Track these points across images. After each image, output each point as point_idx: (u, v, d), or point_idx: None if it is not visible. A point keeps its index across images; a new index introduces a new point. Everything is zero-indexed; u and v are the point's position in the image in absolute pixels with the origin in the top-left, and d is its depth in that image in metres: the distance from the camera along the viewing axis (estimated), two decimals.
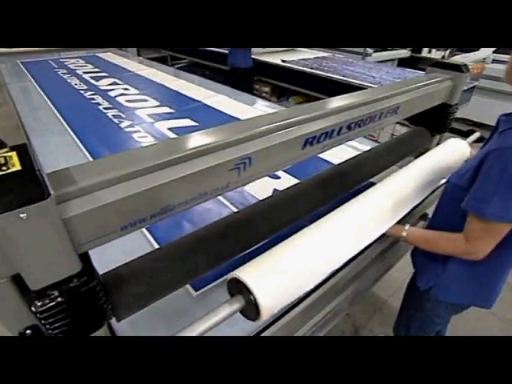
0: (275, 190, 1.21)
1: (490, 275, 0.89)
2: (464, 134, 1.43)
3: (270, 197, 0.93)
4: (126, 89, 2.41)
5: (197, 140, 0.57)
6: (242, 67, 3.42)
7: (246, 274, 0.57)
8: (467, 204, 0.74)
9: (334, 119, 0.77)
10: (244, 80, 3.47)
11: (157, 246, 0.91)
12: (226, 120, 1.86)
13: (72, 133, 1.64)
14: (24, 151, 0.39)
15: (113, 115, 1.88)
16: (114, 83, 2.56)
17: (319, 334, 1.07)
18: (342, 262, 0.75)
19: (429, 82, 1.15)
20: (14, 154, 0.39)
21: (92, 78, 2.70)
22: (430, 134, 1.36)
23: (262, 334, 0.73)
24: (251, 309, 0.56)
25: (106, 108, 1.99)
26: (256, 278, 0.57)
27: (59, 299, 0.43)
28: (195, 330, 0.53)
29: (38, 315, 0.42)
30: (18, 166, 0.37)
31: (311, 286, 0.68)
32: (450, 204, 0.89)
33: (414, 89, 1.07)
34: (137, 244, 0.88)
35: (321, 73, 3.24)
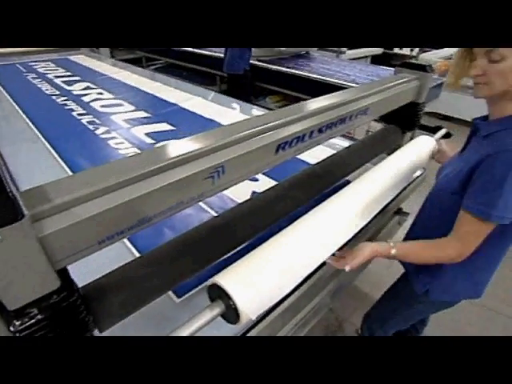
0: (254, 192, 1.23)
1: (486, 270, 0.92)
2: (431, 130, 1.49)
3: (248, 200, 0.95)
4: (101, 93, 2.37)
5: (171, 151, 0.58)
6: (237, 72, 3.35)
7: (225, 279, 0.59)
8: (470, 207, 0.74)
9: (305, 123, 0.79)
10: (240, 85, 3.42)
11: (138, 255, 0.91)
12: (203, 123, 1.87)
13: (45, 141, 1.60)
14: None
15: (87, 121, 1.85)
16: (88, 87, 2.51)
17: (304, 330, 1.10)
18: (320, 261, 0.78)
19: (397, 82, 1.20)
20: None
21: (64, 82, 2.64)
22: (402, 132, 1.42)
23: (247, 335, 0.76)
24: (231, 313, 0.58)
25: (80, 114, 1.95)
26: (234, 283, 0.59)
27: (39, 316, 0.43)
28: (181, 334, 0.55)
29: (18, 334, 0.42)
30: None
31: (292, 287, 0.70)
32: (436, 209, 0.92)
33: (383, 90, 1.11)
34: (117, 253, 0.88)
35: (297, 72, 3.28)
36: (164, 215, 0.57)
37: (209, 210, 1.15)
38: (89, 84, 2.59)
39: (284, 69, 3.38)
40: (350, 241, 0.91)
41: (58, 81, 2.67)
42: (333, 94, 0.95)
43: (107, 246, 0.51)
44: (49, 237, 0.41)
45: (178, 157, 0.56)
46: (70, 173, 1.32)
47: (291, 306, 0.89)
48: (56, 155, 1.46)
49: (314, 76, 3.13)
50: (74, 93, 2.37)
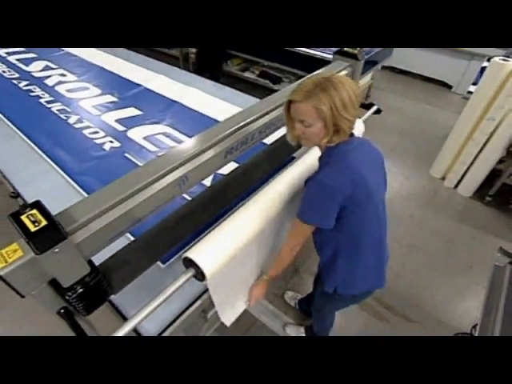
0: (215, 174, 1.47)
1: (367, 262, 1.11)
2: (365, 107, 1.76)
3: (208, 188, 1.23)
4: (63, 75, 2.41)
5: (152, 170, 0.82)
6: None
7: (193, 253, 0.89)
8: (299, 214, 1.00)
9: (247, 129, 1.04)
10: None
11: (132, 238, 1.17)
12: (169, 105, 2.03)
13: (23, 135, 1.72)
14: (41, 208, 0.64)
15: (58, 110, 1.95)
16: (48, 67, 2.51)
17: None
18: (259, 229, 1.07)
19: (333, 70, 1.43)
20: (36, 212, 0.63)
21: (19, 60, 2.60)
22: None
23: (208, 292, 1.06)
24: (200, 274, 0.88)
25: (48, 102, 2.03)
26: (200, 254, 0.89)
27: (80, 290, 0.71)
28: (166, 293, 0.83)
29: (70, 300, 0.71)
30: (44, 221, 0.62)
31: (240, 247, 1.00)
32: None
33: None
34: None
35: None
36: (150, 214, 0.84)
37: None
38: (47, 63, 2.57)
39: None
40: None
41: (12, 59, 2.62)
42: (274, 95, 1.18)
43: (115, 240, 0.77)
44: (81, 242, 0.68)
45: (155, 174, 0.81)
46: (56, 167, 1.50)
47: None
48: (38, 150, 1.62)
49: None
50: (35, 75, 2.38)
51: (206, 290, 1.09)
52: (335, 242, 1.06)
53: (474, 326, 1.84)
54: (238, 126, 1.01)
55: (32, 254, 0.60)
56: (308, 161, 1.25)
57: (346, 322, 1.91)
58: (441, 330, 1.90)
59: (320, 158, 1.03)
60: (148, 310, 0.79)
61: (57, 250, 0.61)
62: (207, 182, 1.43)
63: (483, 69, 4.56)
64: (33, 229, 0.61)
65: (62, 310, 0.74)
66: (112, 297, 0.89)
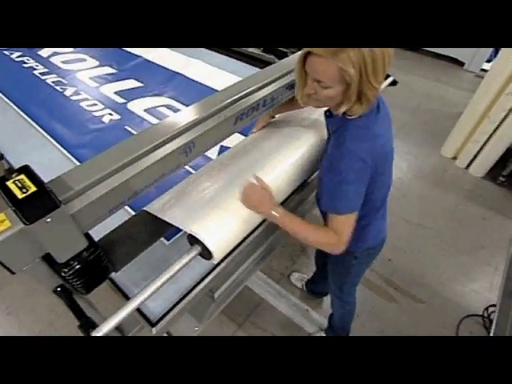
0: (222, 146, 1.39)
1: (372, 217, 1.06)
2: None
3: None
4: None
5: (152, 136, 0.74)
6: None
7: (196, 228, 0.80)
8: (329, 207, 0.89)
9: (261, 93, 0.95)
10: None
11: (133, 213, 1.10)
12: (170, 77, 1.92)
13: (16, 108, 1.63)
14: (30, 173, 0.56)
15: (53, 82, 1.85)
16: None
17: (262, 264, 1.38)
18: None
19: None
20: (24, 177, 0.56)
21: None
22: None
23: (215, 270, 1.00)
24: (206, 252, 0.81)
25: (42, 73, 1.93)
26: (206, 230, 0.81)
27: (77, 266, 0.64)
28: (170, 272, 0.76)
29: (66, 277, 0.64)
30: (33, 188, 0.54)
31: (252, 225, 0.93)
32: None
33: None
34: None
35: None
36: (152, 185, 0.76)
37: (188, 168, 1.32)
38: None
39: None
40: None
41: None
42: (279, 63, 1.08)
43: (115, 212, 0.70)
44: (77, 213, 0.60)
45: (158, 140, 0.73)
46: (53, 141, 1.42)
47: (257, 237, 1.13)
48: (33, 123, 1.53)
49: None
50: None
51: (214, 268, 1.03)
52: None
53: (487, 308, 1.80)
54: (250, 89, 0.92)
55: (21, 224, 0.53)
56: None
57: None
58: (449, 310, 1.86)
59: (333, 130, 0.93)
60: (151, 290, 0.73)
61: (49, 220, 0.54)
62: (213, 155, 1.35)
63: None
64: (20, 196, 0.53)
65: (59, 289, 0.68)
66: (113, 274, 0.82)
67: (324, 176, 0.89)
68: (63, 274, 0.63)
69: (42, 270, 0.63)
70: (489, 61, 4.36)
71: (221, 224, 0.85)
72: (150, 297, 0.74)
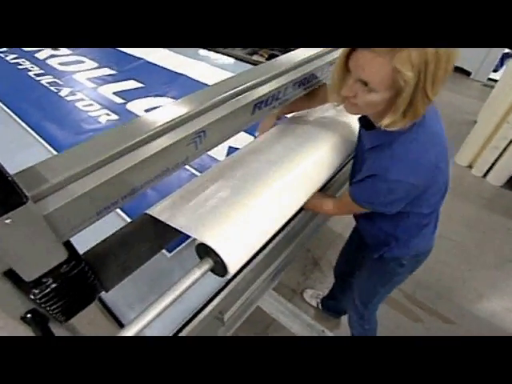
0: (230, 147, 1.26)
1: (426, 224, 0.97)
2: None
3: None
4: (56, 48, 2.17)
5: (153, 121, 0.59)
6: None
7: (212, 238, 0.64)
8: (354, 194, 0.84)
9: (281, 80, 0.81)
10: None
11: (128, 220, 0.95)
12: (172, 78, 1.80)
13: (6, 108, 1.50)
14: None
15: (48, 82, 1.73)
16: None
17: (276, 280, 1.22)
18: (293, 210, 0.84)
19: None
20: None
21: None
22: None
23: (226, 289, 0.85)
24: (219, 267, 0.65)
25: (37, 75, 1.81)
26: (220, 240, 0.65)
27: (53, 285, 0.48)
28: (175, 292, 0.61)
29: (38, 301, 0.47)
30: None
31: (270, 235, 0.77)
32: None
33: None
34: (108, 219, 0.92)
35: None
36: (153, 182, 0.61)
37: (191, 169, 1.18)
38: None
39: None
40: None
41: None
42: (300, 49, 0.95)
43: (105, 215, 0.54)
44: (52, 214, 0.45)
45: (161, 126, 0.58)
46: (42, 141, 1.28)
47: (271, 251, 0.98)
48: (23, 124, 1.39)
49: None
50: (25, 49, 2.16)
51: (225, 287, 0.87)
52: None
53: None
54: (271, 74, 0.78)
55: None
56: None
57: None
58: (483, 331, 1.67)
59: (371, 146, 0.80)
60: (151, 315, 0.57)
61: (8, 222, 0.38)
62: (221, 157, 1.20)
63: (505, 55, 4.31)
64: None
65: (29, 315, 0.52)
66: (103, 295, 0.66)
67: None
68: (32, 297, 0.47)
69: (4, 290, 0.47)
70: (495, 70, 4.29)
71: (237, 233, 0.69)
72: (149, 324, 0.58)
